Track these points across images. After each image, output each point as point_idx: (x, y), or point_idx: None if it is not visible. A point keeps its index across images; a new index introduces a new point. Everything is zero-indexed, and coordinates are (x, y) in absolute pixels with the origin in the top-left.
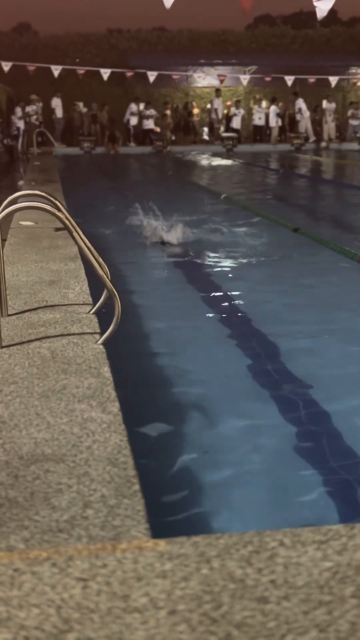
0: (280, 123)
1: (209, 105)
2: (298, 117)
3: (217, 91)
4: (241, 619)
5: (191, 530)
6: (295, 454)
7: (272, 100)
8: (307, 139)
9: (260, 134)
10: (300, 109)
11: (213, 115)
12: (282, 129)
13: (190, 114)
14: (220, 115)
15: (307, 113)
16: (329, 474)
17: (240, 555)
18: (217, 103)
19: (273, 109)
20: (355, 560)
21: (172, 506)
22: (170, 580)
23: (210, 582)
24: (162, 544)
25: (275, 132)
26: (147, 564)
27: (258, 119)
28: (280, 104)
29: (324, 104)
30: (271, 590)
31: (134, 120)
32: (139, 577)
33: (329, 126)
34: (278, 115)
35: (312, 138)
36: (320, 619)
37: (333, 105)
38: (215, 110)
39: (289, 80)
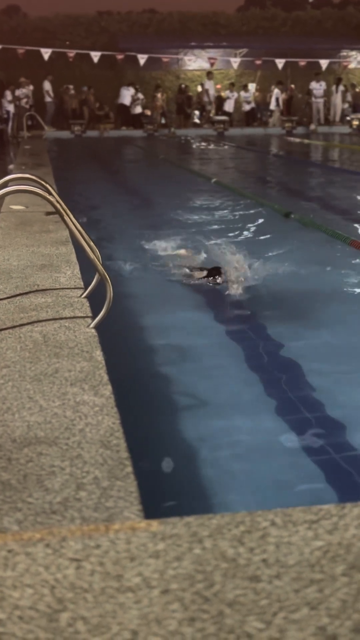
0: (280, 106)
1: (199, 88)
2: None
3: (209, 74)
4: (233, 597)
5: (184, 511)
6: (289, 435)
7: (277, 84)
8: (300, 122)
9: (250, 118)
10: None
11: (205, 98)
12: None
13: (189, 98)
14: (212, 98)
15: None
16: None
17: (233, 535)
18: (209, 85)
19: (276, 92)
20: (346, 539)
21: (166, 487)
22: (163, 560)
23: (203, 561)
24: (154, 525)
25: (276, 115)
26: (140, 544)
27: (246, 104)
28: (273, 87)
29: (312, 84)
30: (263, 569)
31: (125, 101)
32: (132, 557)
33: (318, 107)
34: (278, 99)
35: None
36: (311, 597)
37: (322, 86)
38: (207, 92)
39: (280, 63)
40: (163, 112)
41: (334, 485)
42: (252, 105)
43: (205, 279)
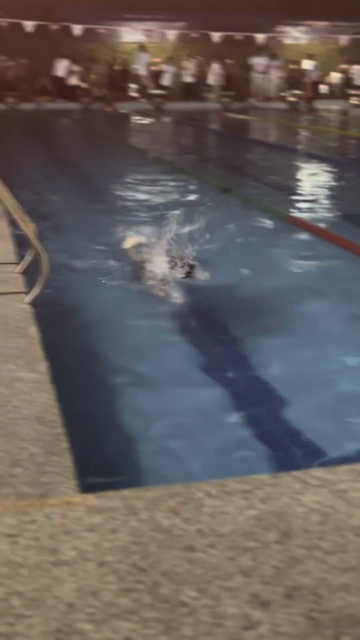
0: (220, 81)
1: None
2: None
3: (142, 47)
4: (169, 567)
5: (121, 485)
6: (228, 408)
7: (216, 58)
8: (237, 97)
9: (190, 91)
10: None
11: (141, 72)
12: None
13: (126, 71)
14: (145, 71)
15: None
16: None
17: (168, 506)
18: (143, 58)
19: (216, 66)
20: (279, 507)
21: (102, 462)
22: (99, 533)
23: (139, 533)
24: (90, 499)
25: (216, 90)
26: (76, 518)
27: (188, 77)
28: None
29: (253, 59)
30: (198, 539)
31: (59, 73)
32: (67, 532)
33: (258, 82)
34: (219, 73)
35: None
36: (245, 565)
37: (264, 61)
38: (141, 66)
39: (216, 36)
40: (99, 84)
41: (268, 456)
42: (193, 79)
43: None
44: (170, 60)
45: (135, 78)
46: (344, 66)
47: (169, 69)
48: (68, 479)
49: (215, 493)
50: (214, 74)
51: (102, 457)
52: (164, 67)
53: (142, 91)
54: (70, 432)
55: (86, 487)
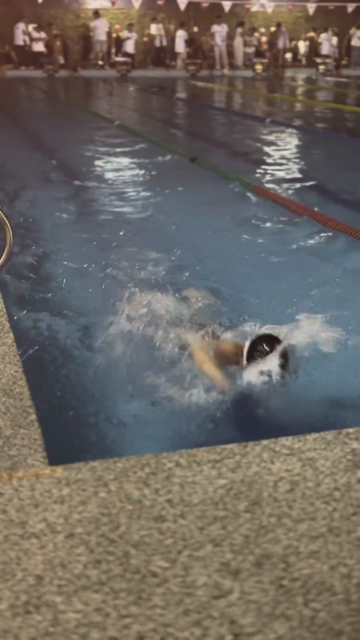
0: (186, 49)
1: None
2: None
3: (96, 12)
4: (139, 538)
5: (90, 456)
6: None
7: (181, 25)
8: (210, 65)
9: (159, 57)
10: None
11: (97, 38)
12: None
13: (89, 37)
14: (102, 37)
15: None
16: None
17: (138, 477)
18: (99, 24)
19: (181, 33)
20: (248, 476)
21: (71, 434)
22: (68, 504)
23: (108, 504)
24: (59, 471)
25: (181, 57)
26: (45, 491)
27: (157, 41)
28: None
29: (213, 27)
30: (168, 509)
31: (20, 41)
32: (36, 504)
33: (220, 50)
34: (185, 41)
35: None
36: (215, 534)
37: (224, 28)
38: (99, 32)
39: (182, 3)
40: (63, 51)
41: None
42: (163, 43)
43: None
44: (132, 26)
45: (95, 45)
46: (310, 34)
47: (133, 35)
48: (36, 452)
49: (185, 463)
50: (180, 41)
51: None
52: (127, 33)
53: (104, 58)
54: (38, 404)
55: (54, 459)
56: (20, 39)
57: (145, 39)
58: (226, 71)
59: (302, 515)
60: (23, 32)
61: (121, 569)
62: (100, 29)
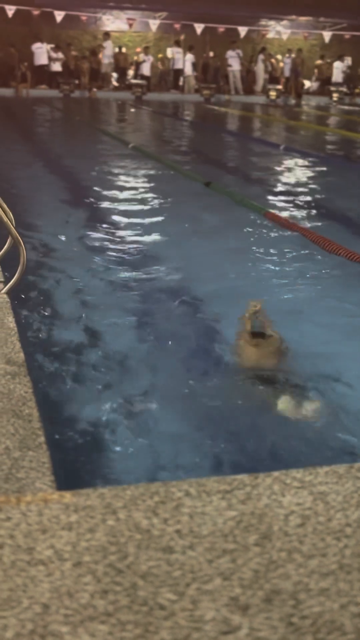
0: (194, 72)
1: (116, 49)
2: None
3: (106, 34)
4: (147, 569)
5: (98, 482)
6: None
7: (189, 49)
8: (218, 89)
9: (177, 80)
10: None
11: (104, 60)
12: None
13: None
14: (107, 60)
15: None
16: None
17: (147, 505)
18: (107, 46)
19: (189, 57)
20: (259, 509)
21: (80, 459)
22: (76, 532)
23: (116, 533)
24: (67, 496)
25: (190, 81)
26: (52, 516)
27: (177, 62)
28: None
29: (227, 53)
30: (176, 539)
31: (42, 61)
32: (43, 530)
33: (235, 75)
34: (193, 64)
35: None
36: (224, 567)
37: (238, 54)
38: (106, 54)
39: (199, 28)
40: (81, 72)
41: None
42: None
43: None
44: (147, 49)
45: (102, 66)
46: (319, 62)
47: (149, 58)
48: (44, 475)
49: (194, 493)
50: (188, 64)
51: (79, 452)
52: (144, 56)
53: (106, 80)
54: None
55: (63, 484)
56: (42, 59)
57: (159, 63)
58: (227, 97)
59: (313, 550)
60: (48, 52)
61: (128, 600)
62: (108, 50)
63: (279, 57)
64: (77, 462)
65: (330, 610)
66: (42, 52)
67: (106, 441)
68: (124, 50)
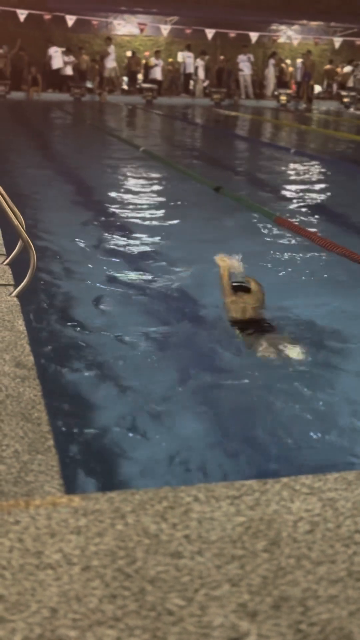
0: (202, 76)
1: (128, 53)
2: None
3: (108, 39)
4: (155, 574)
5: (107, 486)
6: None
7: (201, 54)
8: (231, 94)
9: (187, 84)
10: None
11: (108, 65)
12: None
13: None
14: (110, 65)
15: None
16: None
17: (155, 510)
18: (110, 51)
19: (199, 61)
20: (267, 515)
21: (88, 462)
22: (85, 536)
23: (125, 537)
24: (76, 500)
25: (199, 86)
26: (61, 520)
27: (188, 67)
28: (207, 57)
29: (239, 57)
30: (185, 545)
31: (58, 64)
32: (52, 534)
33: (246, 80)
34: (199, 69)
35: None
36: (232, 573)
37: (249, 59)
38: (109, 59)
39: (210, 33)
40: (93, 75)
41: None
42: (191, 70)
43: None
44: (158, 54)
45: (105, 71)
46: (328, 67)
47: (160, 62)
48: (53, 478)
49: (203, 498)
50: (200, 69)
51: (88, 456)
52: (155, 60)
53: (109, 85)
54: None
55: (72, 487)
56: (58, 63)
57: (169, 67)
58: (236, 100)
59: (322, 557)
60: (57, 56)
61: (137, 605)
62: (111, 55)
63: (288, 61)
64: (85, 466)
65: (338, 617)
66: (58, 56)
67: (116, 444)
68: (133, 53)
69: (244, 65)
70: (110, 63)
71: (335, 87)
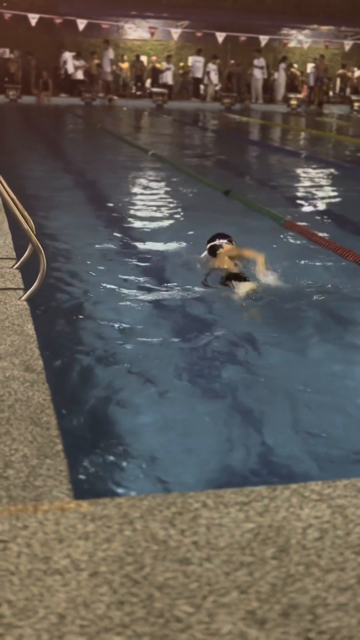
0: (217, 81)
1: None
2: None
3: (105, 42)
4: (163, 580)
5: (115, 491)
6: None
7: (213, 58)
8: (242, 99)
9: (197, 88)
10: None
11: (106, 69)
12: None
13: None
14: (108, 69)
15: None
16: None
17: (164, 516)
18: (107, 55)
19: (210, 66)
20: (277, 521)
21: (97, 467)
22: (93, 541)
23: (133, 543)
24: (84, 505)
25: (211, 90)
26: (69, 525)
27: (197, 71)
28: (218, 61)
29: (254, 61)
30: (193, 551)
31: (71, 70)
32: (60, 539)
33: (257, 85)
34: (211, 73)
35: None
36: (241, 580)
37: (261, 63)
38: (105, 62)
39: (220, 37)
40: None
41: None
42: (200, 75)
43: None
44: (169, 58)
45: (101, 75)
46: (341, 71)
47: (171, 66)
48: (62, 483)
49: (211, 504)
50: (212, 73)
51: (97, 461)
52: (166, 64)
53: (103, 89)
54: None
55: (80, 492)
56: (72, 68)
57: (180, 71)
58: (247, 103)
59: (331, 565)
60: (69, 60)
61: (145, 612)
62: (107, 59)
63: (296, 65)
64: (94, 470)
65: (348, 625)
66: (69, 61)
67: (126, 449)
68: (137, 58)
69: (257, 70)
70: (108, 67)
71: (348, 91)
